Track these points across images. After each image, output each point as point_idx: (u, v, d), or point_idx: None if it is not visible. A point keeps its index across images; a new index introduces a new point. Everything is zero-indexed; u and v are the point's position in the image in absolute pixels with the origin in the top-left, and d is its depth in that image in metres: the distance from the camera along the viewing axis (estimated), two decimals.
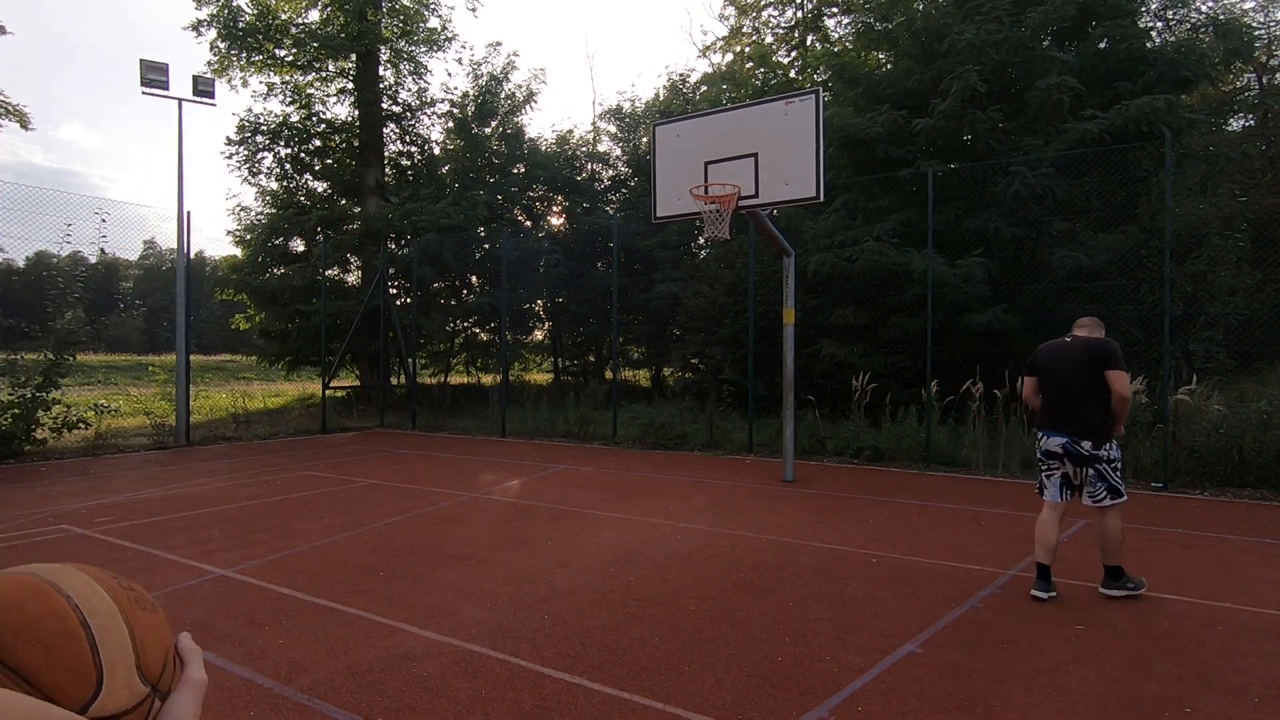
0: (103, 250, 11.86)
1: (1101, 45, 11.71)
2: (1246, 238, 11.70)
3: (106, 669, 0.67)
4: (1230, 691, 3.13)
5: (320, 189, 21.40)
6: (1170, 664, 3.41)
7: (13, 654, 0.61)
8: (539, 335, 23.62)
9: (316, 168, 21.02)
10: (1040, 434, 4.54)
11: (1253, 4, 16.85)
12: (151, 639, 0.73)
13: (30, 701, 0.57)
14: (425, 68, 21.18)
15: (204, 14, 18.92)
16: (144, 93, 12.29)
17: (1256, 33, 15.24)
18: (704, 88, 23.14)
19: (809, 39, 21.83)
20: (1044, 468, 4.55)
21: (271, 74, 20.16)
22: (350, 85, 20.52)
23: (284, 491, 7.96)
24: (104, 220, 11.72)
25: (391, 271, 17.99)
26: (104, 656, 0.67)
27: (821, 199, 7.59)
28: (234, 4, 18.98)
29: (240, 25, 19.01)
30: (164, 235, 55.55)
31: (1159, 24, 14.10)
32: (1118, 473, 4.32)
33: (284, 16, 19.63)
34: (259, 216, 20.61)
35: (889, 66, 14.42)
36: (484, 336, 21.74)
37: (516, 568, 4.99)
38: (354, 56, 19.85)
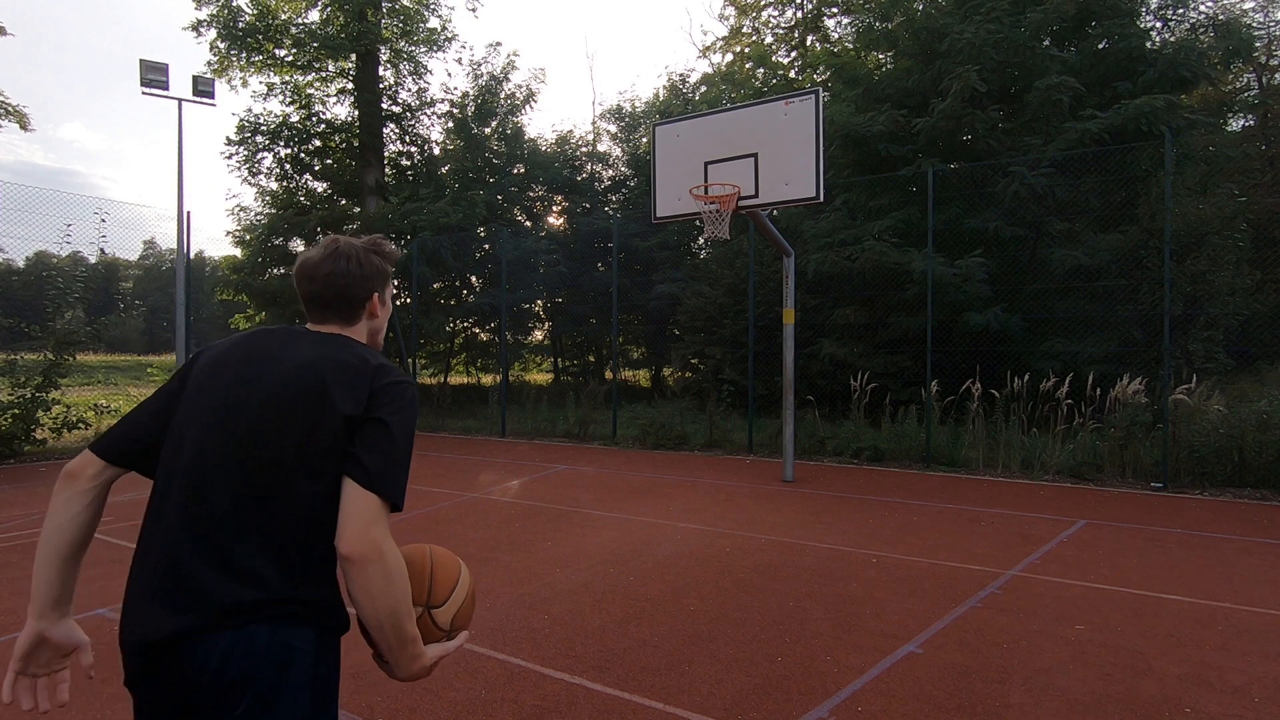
0: (103, 250, 11.86)
1: (1101, 45, 11.70)
2: (1246, 238, 11.71)
3: (448, 604, 1.43)
4: (1230, 691, 3.13)
5: (320, 189, 21.38)
6: (1170, 664, 3.41)
7: (437, 571, 1.43)
8: (539, 335, 23.61)
9: (316, 168, 21.00)
10: None
11: (1253, 4, 16.85)
12: (464, 615, 1.48)
13: (407, 584, 1.30)
14: (425, 68, 21.16)
15: (204, 14, 18.90)
16: (144, 93, 12.33)
17: (1256, 32, 15.24)
18: (704, 88, 23.14)
19: (809, 39, 21.81)
20: None
21: (271, 74, 20.13)
22: (350, 85, 20.50)
23: None
24: (104, 220, 11.72)
25: (391, 271, 17.95)
26: (451, 599, 1.44)
27: (821, 199, 7.59)
28: (234, 4, 18.97)
29: (240, 25, 19.00)
30: (164, 235, 55.54)
31: (1158, 24, 14.09)
32: None
33: (284, 17, 19.62)
34: (259, 217, 20.60)
35: (889, 66, 14.42)
36: (484, 336, 21.73)
37: (516, 568, 4.99)
38: (354, 56, 19.83)
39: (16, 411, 10.25)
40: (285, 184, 20.78)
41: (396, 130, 21.26)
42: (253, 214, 20.75)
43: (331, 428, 1.29)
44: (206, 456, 1.30)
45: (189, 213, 12.72)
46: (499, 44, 35.10)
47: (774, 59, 21.44)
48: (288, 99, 20.27)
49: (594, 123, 27.99)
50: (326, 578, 1.32)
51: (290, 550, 1.28)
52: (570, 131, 24.22)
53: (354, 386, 1.33)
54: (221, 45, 19.22)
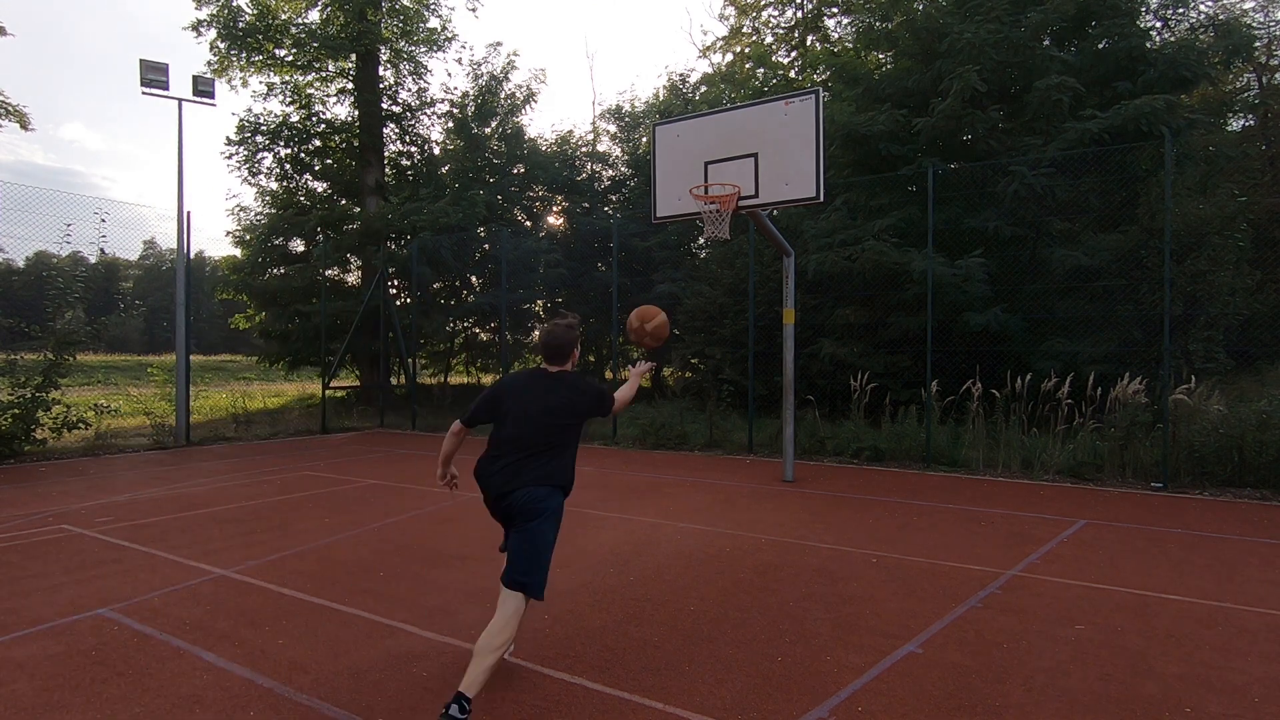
0: (103, 250, 11.86)
1: (1101, 45, 11.69)
2: (1246, 238, 11.71)
3: (651, 324, 3.76)
4: (1230, 691, 3.13)
5: (320, 189, 21.39)
6: (1170, 664, 3.41)
7: (649, 314, 3.82)
8: (539, 335, 23.58)
9: (316, 168, 21.01)
10: None
11: (1253, 4, 16.86)
12: (658, 331, 3.77)
13: (630, 403, 3.89)
14: (425, 68, 21.18)
15: (204, 14, 18.93)
16: (144, 93, 12.31)
17: (1256, 32, 15.23)
18: (704, 88, 23.12)
19: (809, 39, 21.82)
20: None
21: (271, 74, 20.15)
22: (350, 85, 20.52)
23: (284, 491, 7.97)
24: (104, 220, 11.72)
25: (391, 271, 17.98)
26: (653, 323, 3.75)
27: (821, 199, 7.59)
28: (234, 4, 18.98)
29: (240, 25, 19.01)
30: (164, 235, 55.49)
31: (1158, 24, 14.09)
32: None
33: (284, 16, 19.63)
34: (259, 217, 20.61)
35: (889, 66, 14.41)
36: (484, 336, 21.75)
37: None
38: (354, 56, 19.84)
39: (16, 411, 10.26)
40: (285, 184, 20.79)
41: (396, 130, 21.27)
42: (253, 214, 20.77)
43: (572, 411, 3.22)
44: (520, 425, 3.15)
45: (189, 213, 12.72)
46: (499, 44, 35.11)
47: (774, 59, 21.45)
48: (288, 99, 20.29)
49: (594, 123, 27.97)
50: (569, 474, 3.21)
51: (555, 462, 3.14)
52: (570, 131, 24.24)
53: (577, 392, 3.25)
54: (221, 45, 19.23)
